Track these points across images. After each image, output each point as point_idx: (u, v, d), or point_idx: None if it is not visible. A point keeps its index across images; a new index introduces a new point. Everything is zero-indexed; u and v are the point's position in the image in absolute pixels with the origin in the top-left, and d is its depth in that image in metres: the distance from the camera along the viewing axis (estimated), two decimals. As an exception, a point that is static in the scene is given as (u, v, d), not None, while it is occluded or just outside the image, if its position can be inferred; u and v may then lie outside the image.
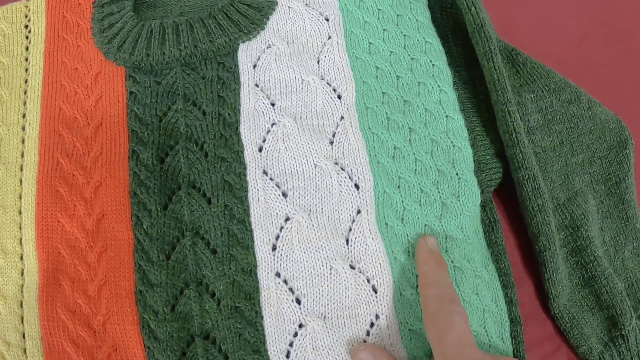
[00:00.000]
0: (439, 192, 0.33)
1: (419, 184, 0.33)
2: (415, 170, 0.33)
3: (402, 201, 0.33)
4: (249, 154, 0.33)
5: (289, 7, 0.38)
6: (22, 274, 0.33)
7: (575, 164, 0.37)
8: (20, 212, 0.34)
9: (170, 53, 0.35)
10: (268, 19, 0.37)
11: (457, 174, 0.33)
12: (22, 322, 0.32)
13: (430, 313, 0.28)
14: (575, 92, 0.39)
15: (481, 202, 0.34)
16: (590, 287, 0.35)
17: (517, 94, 0.38)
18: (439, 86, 0.35)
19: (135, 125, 0.34)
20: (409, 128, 0.34)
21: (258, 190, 0.32)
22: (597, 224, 0.37)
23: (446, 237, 0.32)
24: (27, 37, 0.38)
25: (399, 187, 0.33)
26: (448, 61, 0.37)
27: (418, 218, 0.32)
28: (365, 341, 0.30)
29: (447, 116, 0.35)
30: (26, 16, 0.39)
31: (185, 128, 0.34)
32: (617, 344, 0.34)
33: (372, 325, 0.30)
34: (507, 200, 0.37)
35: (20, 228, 0.34)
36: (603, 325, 0.35)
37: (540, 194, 0.34)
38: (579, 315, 0.35)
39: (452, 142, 0.34)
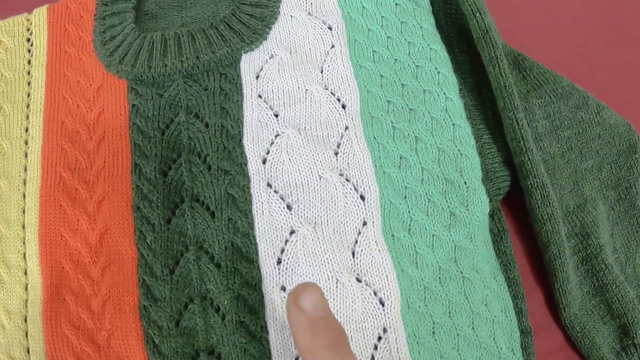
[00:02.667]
0: (446, 201, 0.31)
1: (426, 193, 0.31)
2: (422, 179, 0.32)
3: (409, 211, 0.31)
4: (253, 166, 0.32)
5: (292, 16, 0.36)
6: (26, 289, 0.32)
7: (585, 170, 0.36)
8: (23, 227, 0.33)
9: (172, 65, 0.34)
10: (270, 28, 0.36)
11: (465, 182, 0.32)
12: (27, 337, 0.31)
13: None
14: (584, 97, 0.37)
15: (490, 211, 0.33)
16: (602, 296, 0.33)
17: (524, 100, 0.36)
18: (444, 94, 0.34)
19: (138, 139, 0.33)
20: (415, 137, 0.33)
21: (262, 203, 0.31)
22: (607, 230, 0.35)
23: (455, 247, 0.31)
24: (29, 51, 0.37)
25: (405, 197, 0.31)
26: (453, 68, 0.35)
27: (425, 228, 0.31)
28: (373, 356, 0.29)
29: (453, 124, 0.33)
30: (28, 29, 0.38)
31: (188, 141, 0.32)
32: (629, 353, 0.33)
33: (379, 338, 0.29)
34: (516, 209, 0.35)
35: (23, 243, 0.32)
36: (615, 335, 0.33)
37: (549, 202, 0.33)
38: (590, 324, 0.33)
39: (459, 150, 0.32)
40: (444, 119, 0.33)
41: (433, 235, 0.31)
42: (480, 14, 0.34)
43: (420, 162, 0.32)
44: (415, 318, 0.29)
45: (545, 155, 0.35)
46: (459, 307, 0.30)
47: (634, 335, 0.32)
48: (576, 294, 0.33)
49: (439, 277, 0.30)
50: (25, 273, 0.32)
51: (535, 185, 0.33)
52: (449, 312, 0.30)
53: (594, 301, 0.34)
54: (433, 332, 0.30)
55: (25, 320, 0.31)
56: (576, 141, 0.36)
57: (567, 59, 0.41)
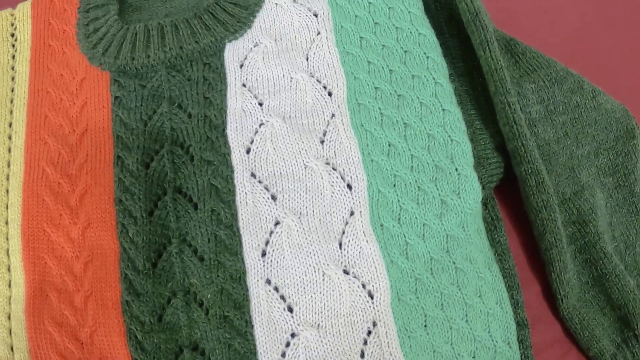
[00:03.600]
0: (437, 189, 0.30)
1: (416, 181, 0.30)
2: (412, 167, 0.30)
3: (399, 200, 0.29)
4: (236, 156, 0.30)
5: (276, 3, 0.35)
6: (9, 286, 0.31)
7: (581, 157, 0.34)
8: (7, 223, 0.32)
9: (155, 55, 0.33)
10: (255, 16, 0.34)
11: (456, 169, 0.30)
12: (10, 334, 0.30)
13: None
14: (578, 81, 0.35)
15: (482, 199, 0.31)
16: (601, 286, 0.32)
17: (517, 85, 0.35)
18: (434, 79, 0.32)
19: (120, 131, 0.32)
20: (404, 123, 0.31)
21: (246, 193, 0.29)
22: (606, 218, 0.33)
23: (447, 237, 0.29)
24: (13, 46, 0.36)
25: (394, 185, 0.30)
26: (443, 53, 0.34)
27: (416, 217, 0.29)
28: (362, 351, 0.27)
29: (443, 109, 0.31)
30: (12, 24, 0.37)
31: (171, 131, 0.31)
32: (630, 345, 0.31)
33: (369, 333, 0.27)
34: (510, 197, 0.34)
35: (7, 239, 0.31)
36: (615, 326, 0.32)
37: (544, 189, 0.31)
38: (589, 316, 0.31)
39: (449, 136, 0.31)
40: (433, 105, 0.32)
41: (424, 225, 0.29)
42: (469, -4, 0.32)
43: (410, 149, 0.30)
44: (406, 311, 0.28)
45: (540, 142, 0.33)
46: (452, 299, 0.29)
47: (635, 327, 0.31)
48: (574, 284, 0.32)
49: (431, 268, 0.29)
50: (9, 269, 0.31)
51: (530, 171, 0.31)
52: (442, 304, 0.29)
53: (592, 291, 0.32)
54: (425, 326, 0.28)
55: (9, 318, 0.30)
56: (572, 127, 0.34)
57: (561, 43, 0.39)
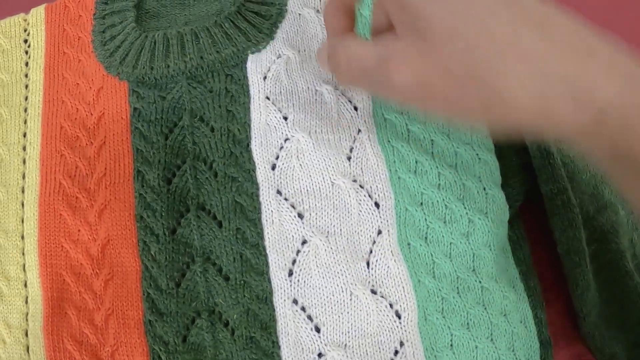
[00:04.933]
0: (465, 208, 0.29)
1: (443, 200, 0.29)
2: (439, 185, 0.29)
3: (426, 219, 0.29)
4: (262, 173, 0.29)
5: (300, 14, 0.33)
6: (26, 302, 0.30)
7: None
8: (22, 237, 0.30)
9: (175, 65, 0.31)
10: (277, 27, 0.33)
11: (484, 188, 0.29)
12: (28, 351, 0.29)
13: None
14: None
15: (509, 218, 0.30)
16: (621, 304, 0.31)
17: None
18: (461, 95, 0.31)
19: (140, 144, 0.30)
20: (431, 140, 0.30)
21: (272, 211, 0.28)
22: (627, 235, 0.33)
23: (474, 256, 0.28)
24: (26, 52, 0.34)
25: (421, 204, 0.29)
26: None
27: (443, 237, 0.28)
28: None
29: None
30: (25, 30, 0.35)
31: (193, 146, 0.30)
32: (649, 361, 0.31)
33: (396, 353, 0.27)
34: (534, 215, 0.33)
35: (23, 254, 0.30)
36: (635, 344, 0.31)
37: (570, 208, 0.30)
38: (609, 333, 0.31)
39: (477, 154, 0.30)
40: (461, 122, 0.31)
41: (451, 244, 0.29)
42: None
43: (437, 167, 0.30)
44: (432, 331, 0.27)
45: (565, 159, 0.33)
46: (478, 318, 0.28)
47: (655, 344, 0.30)
48: (596, 302, 0.31)
49: (457, 288, 0.28)
50: (25, 285, 0.30)
51: (556, 190, 0.30)
52: (468, 323, 0.28)
53: (613, 309, 0.32)
54: (451, 345, 0.27)
55: (26, 335, 0.29)
56: (596, 143, 0.34)
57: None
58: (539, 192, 0.31)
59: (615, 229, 0.32)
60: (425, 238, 0.28)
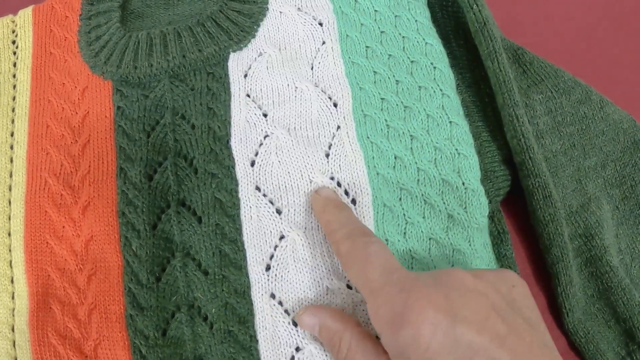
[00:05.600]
0: (444, 203, 0.29)
1: (423, 195, 0.29)
2: (418, 180, 0.29)
3: (405, 214, 0.29)
4: (241, 169, 0.30)
5: (281, 12, 0.34)
6: (12, 298, 0.30)
7: (588, 168, 0.33)
8: (9, 234, 0.31)
9: (158, 64, 0.32)
10: (259, 25, 0.33)
11: (463, 183, 0.29)
12: (14, 346, 0.30)
13: (345, 255, 0.24)
14: (586, 92, 0.34)
15: (489, 212, 0.30)
16: (606, 299, 0.31)
17: (524, 96, 0.34)
18: (441, 90, 0.31)
19: (123, 142, 0.31)
20: (410, 135, 0.30)
21: (251, 207, 0.29)
22: (612, 231, 0.33)
23: (453, 251, 0.29)
24: (14, 53, 0.35)
25: (400, 199, 0.29)
26: (450, 63, 0.33)
27: (422, 232, 0.29)
28: None
29: (450, 122, 0.31)
30: (13, 31, 0.36)
31: (174, 143, 0.30)
32: (634, 358, 0.31)
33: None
34: (516, 210, 0.33)
35: (9, 250, 0.31)
36: (620, 339, 0.31)
37: (551, 203, 0.30)
38: (594, 329, 0.31)
39: (456, 149, 0.30)
40: (440, 117, 0.31)
41: (430, 239, 0.29)
42: (477, 5, 0.31)
43: (416, 162, 0.30)
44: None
45: (547, 153, 0.33)
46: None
47: (640, 340, 0.30)
48: (580, 297, 0.31)
49: (436, 283, 0.28)
50: (12, 281, 0.30)
51: (537, 185, 0.30)
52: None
53: (598, 305, 0.31)
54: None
55: (13, 330, 0.30)
56: (579, 138, 0.34)
57: (568, 52, 0.38)
58: (520, 186, 0.31)
59: (599, 224, 0.32)
60: (404, 233, 0.29)
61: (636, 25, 0.40)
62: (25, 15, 0.36)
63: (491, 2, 0.33)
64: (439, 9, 0.35)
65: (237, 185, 0.29)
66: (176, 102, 0.31)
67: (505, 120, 0.31)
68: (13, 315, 0.30)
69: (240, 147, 0.30)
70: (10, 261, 0.31)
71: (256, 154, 0.30)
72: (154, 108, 0.32)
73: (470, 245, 0.29)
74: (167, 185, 0.30)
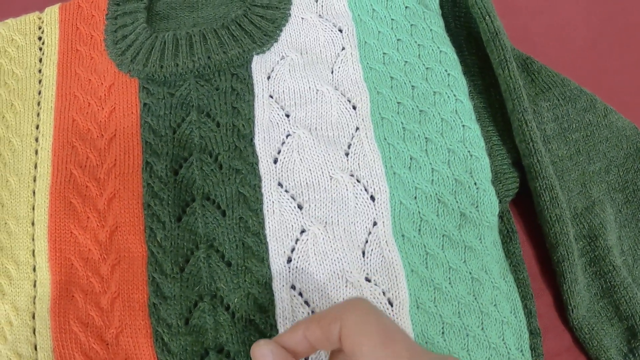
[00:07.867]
0: (457, 202, 0.31)
1: (437, 194, 0.32)
2: (432, 180, 0.32)
3: (419, 212, 0.31)
4: (264, 166, 0.32)
5: (302, 18, 0.36)
6: (34, 286, 0.32)
7: (592, 173, 0.36)
8: (33, 224, 0.33)
9: (184, 64, 0.34)
10: (281, 30, 0.36)
11: (475, 183, 0.32)
12: (34, 333, 0.31)
13: None
14: (591, 100, 0.37)
15: (499, 212, 0.33)
16: (609, 298, 0.34)
17: (532, 103, 0.36)
18: (454, 95, 0.34)
19: (149, 137, 0.33)
20: (425, 138, 0.33)
21: (273, 202, 0.31)
22: (615, 232, 0.35)
23: (465, 248, 0.31)
24: (40, 49, 0.37)
25: (415, 197, 0.31)
26: (463, 70, 0.35)
27: (436, 229, 0.31)
28: None
29: (463, 125, 0.33)
30: (39, 28, 0.38)
31: (199, 140, 0.33)
32: (636, 355, 0.33)
33: (389, 339, 0.29)
34: (525, 211, 0.36)
35: (32, 239, 0.32)
36: (622, 336, 0.33)
37: (558, 204, 0.33)
38: (598, 326, 0.33)
39: (469, 151, 0.33)
40: (454, 121, 0.33)
41: (443, 236, 0.31)
42: (489, 17, 0.34)
43: (431, 163, 0.32)
44: (424, 318, 0.29)
45: (554, 158, 0.35)
46: (469, 307, 0.30)
47: (642, 338, 0.32)
48: (584, 295, 0.33)
49: (449, 278, 0.30)
50: (34, 270, 0.32)
51: (544, 186, 0.33)
52: (459, 312, 0.30)
53: (601, 303, 0.34)
54: (442, 332, 0.30)
55: (33, 317, 0.31)
56: (584, 144, 0.36)
57: (575, 62, 0.41)
58: (528, 188, 0.34)
59: (603, 226, 0.34)
60: (419, 230, 0.31)
61: (638, 37, 0.43)
62: (52, 13, 0.38)
63: (502, 14, 0.36)
64: (452, 19, 0.38)
65: (260, 181, 0.31)
66: (201, 101, 0.34)
67: (514, 125, 0.34)
68: (34, 303, 0.31)
69: (263, 145, 0.32)
70: (33, 250, 0.32)
71: (279, 152, 0.32)
72: (180, 106, 0.34)
73: (481, 242, 0.31)
74: (192, 180, 0.32)
